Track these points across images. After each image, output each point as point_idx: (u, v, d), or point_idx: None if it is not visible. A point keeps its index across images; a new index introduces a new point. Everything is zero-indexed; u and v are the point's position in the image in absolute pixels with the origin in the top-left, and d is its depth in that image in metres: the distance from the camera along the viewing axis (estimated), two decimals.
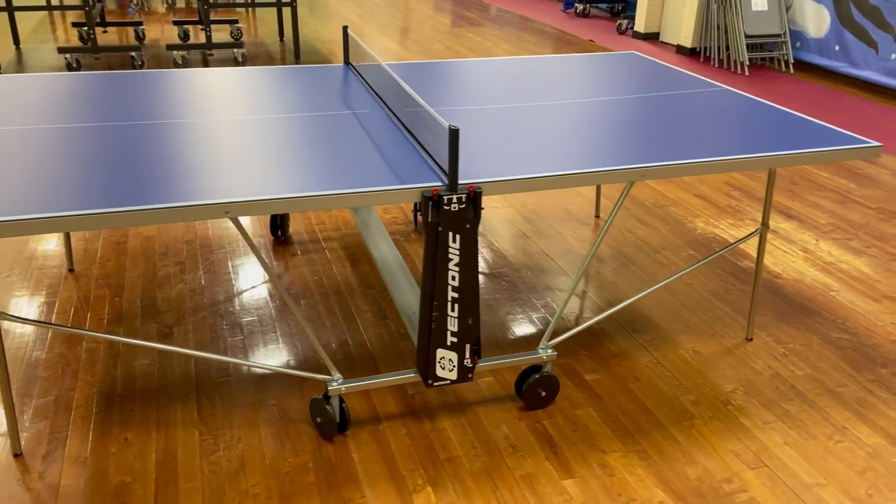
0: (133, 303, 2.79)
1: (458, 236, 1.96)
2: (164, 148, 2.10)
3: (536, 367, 2.29)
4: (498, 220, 3.55)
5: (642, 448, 2.15)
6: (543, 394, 2.29)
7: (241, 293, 2.87)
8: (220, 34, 7.48)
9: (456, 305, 2.04)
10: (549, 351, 2.27)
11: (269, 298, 2.83)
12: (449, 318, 2.05)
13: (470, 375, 2.15)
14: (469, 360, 2.13)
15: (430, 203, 1.91)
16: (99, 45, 5.84)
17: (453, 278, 2.01)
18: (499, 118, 2.44)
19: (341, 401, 2.13)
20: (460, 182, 1.94)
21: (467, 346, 2.11)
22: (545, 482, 2.02)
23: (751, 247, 3.35)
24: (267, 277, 2.98)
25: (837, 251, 3.35)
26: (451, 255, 1.98)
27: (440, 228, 1.94)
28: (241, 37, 7.25)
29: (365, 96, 2.63)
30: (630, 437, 2.19)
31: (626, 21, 7.99)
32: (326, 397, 2.10)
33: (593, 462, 2.09)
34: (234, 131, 2.24)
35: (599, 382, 2.43)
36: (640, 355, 2.57)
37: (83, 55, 6.37)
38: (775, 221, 3.62)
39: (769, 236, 3.46)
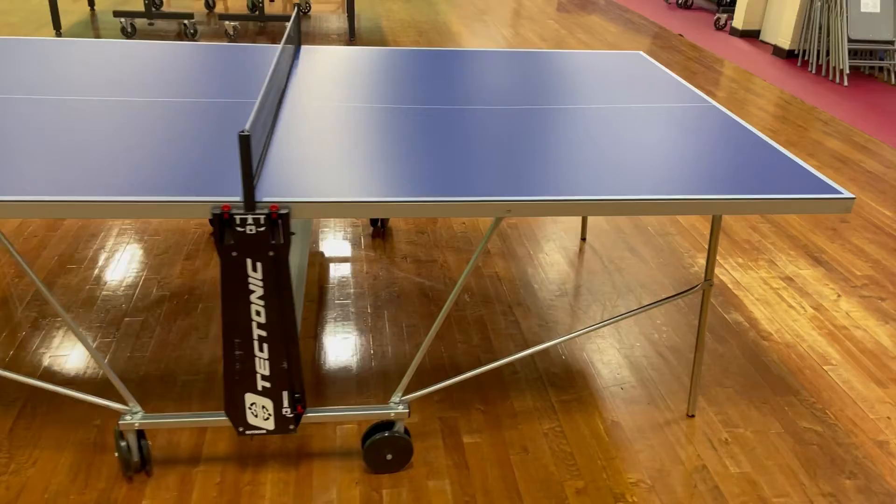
0: (28, 286, 2.63)
1: (258, 265, 1.62)
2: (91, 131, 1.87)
3: (389, 424, 1.92)
4: (462, 231, 3.16)
5: None
6: (389, 457, 1.92)
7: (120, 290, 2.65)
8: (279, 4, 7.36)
9: (265, 345, 1.71)
10: (400, 407, 1.90)
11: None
12: (257, 359, 1.73)
13: (292, 427, 1.82)
14: (289, 410, 1.80)
15: (220, 222, 1.58)
16: (154, 12, 5.81)
17: (258, 313, 1.68)
18: (420, 121, 2.06)
19: (141, 436, 1.86)
20: (271, 200, 1.60)
21: (284, 394, 1.78)
22: None
23: (748, 294, 2.80)
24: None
25: (859, 313, 2.73)
26: (251, 287, 1.64)
27: (234, 254, 1.61)
28: (308, 10, 7.09)
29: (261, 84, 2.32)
30: None
31: (725, 15, 7.22)
32: (120, 432, 1.83)
33: None
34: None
35: (476, 448, 2.03)
36: (543, 418, 2.14)
37: (138, 20, 6.39)
38: (799, 266, 3.02)
39: (778, 283, 2.88)
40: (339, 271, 2.83)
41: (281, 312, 1.68)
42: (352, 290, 2.71)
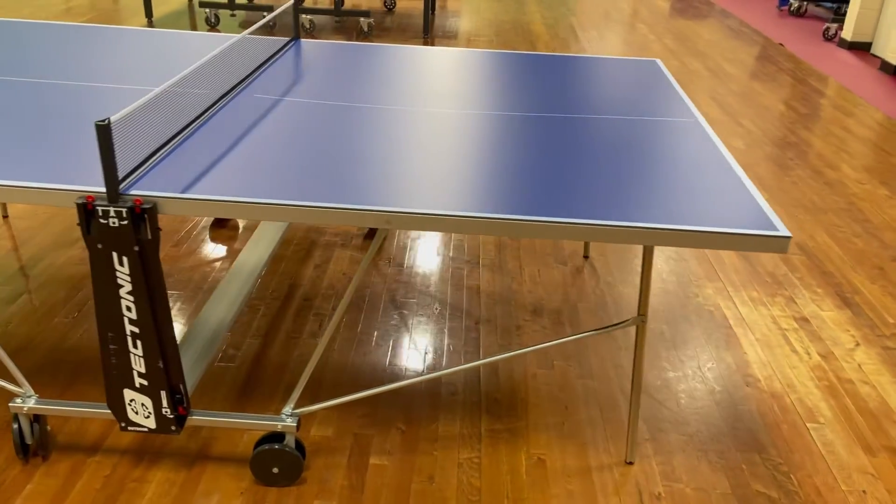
0: None
1: (125, 259, 1.58)
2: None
3: (280, 436, 1.84)
4: (461, 242, 3.02)
5: None
6: (276, 470, 1.83)
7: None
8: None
9: (138, 342, 1.67)
10: (288, 420, 1.81)
11: None
12: (132, 355, 1.68)
13: (174, 428, 1.77)
14: (169, 410, 1.75)
15: (85, 213, 1.55)
16: (235, 3, 5.98)
17: (128, 309, 1.63)
18: (346, 121, 1.97)
19: (37, 420, 1.86)
20: (138, 192, 1.55)
21: (162, 394, 1.73)
22: None
23: (749, 333, 2.51)
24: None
25: (874, 366, 2.39)
26: (119, 282, 1.60)
27: (100, 246, 1.57)
28: (393, 6, 7.10)
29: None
30: None
31: (835, 25, 6.64)
32: (15, 415, 1.84)
33: None
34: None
35: (380, 471, 1.91)
36: (464, 447, 1.99)
37: (221, 11, 6.59)
38: (822, 306, 2.68)
39: (789, 324, 2.57)
40: (318, 271, 2.77)
41: (152, 310, 1.63)
42: (322, 291, 2.64)
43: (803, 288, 2.82)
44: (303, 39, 2.83)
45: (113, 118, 1.50)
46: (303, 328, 2.45)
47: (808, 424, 2.14)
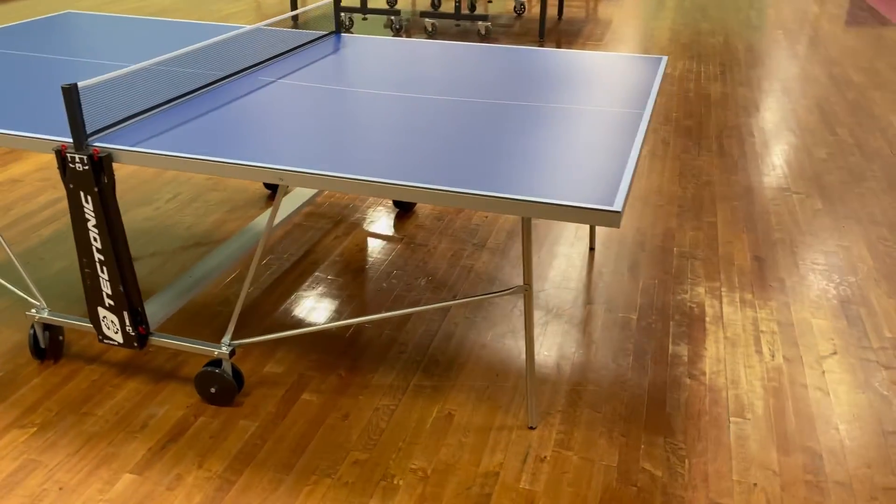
0: None
1: (89, 198, 1.97)
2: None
3: (219, 362, 2.16)
4: (477, 225, 3.20)
5: (232, 479, 1.91)
6: (213, 391, 2.15)
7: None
8: (503, 4, 7.63)
9: (104, 268, 2.06)
10: (224, 349, 2.12)
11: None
12: (101, 279, 2.08)
13: (136, 344, 2.15)
14: (132, 329, 2.13)
15: (61, 158, 1.95)
16: (367, 7, 6.49)
17: (95, 240, 2.02)
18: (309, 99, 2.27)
19: (47, 328, 2.31)
20: (100, 144, 1.93)
21: (125, 314, 2.11)
22: (100, 468, 1.95)
23: (720, 331, 2.49)
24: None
25: (838, 375, 2.30)
26: (87, 216, 2.00)
27: (71, 186, 1.97)
28: (523, 12, 7.31)
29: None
30: (244, 466, 1.96)
31: None
32: (31, 323, 2.31)
33: (173, 472, 1.94)
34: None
35: (305, 405, 2.17)
36: (387, 396, 2.21)
37: (355, 14, 7.12)
38: (818, 314, 2.59)
39: (768, 326, 2.51)
40: (337, 241, 3.09)
41: (112, 242, 2.02)
42: (331, 258, 2.95)
43: (808, 296, 2.72)
44: (344, 35, 3.16)
45: (80, 84, 1.90)
46: (298, 286, 2.77)
47: (731, 419, 2.13)
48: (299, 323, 2.56)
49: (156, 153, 1.89)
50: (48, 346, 2.34)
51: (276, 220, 2.84)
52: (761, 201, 3.46)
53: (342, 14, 6.49)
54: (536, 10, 7.66)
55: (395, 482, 1.92)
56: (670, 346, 2.44)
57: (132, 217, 3.30)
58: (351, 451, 2.01)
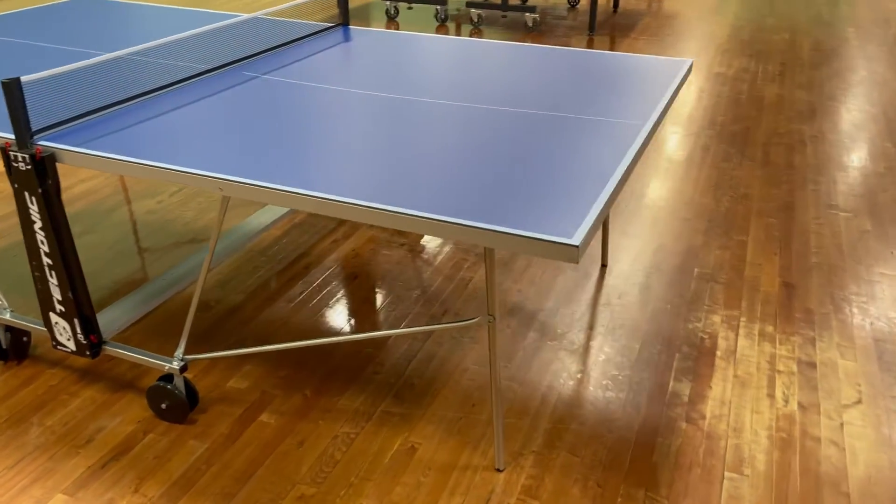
0: None
1: (34, 199, 1.86)
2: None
3: (171, 377, 2.03)
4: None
5: None
6: (164, 406, 2.02)
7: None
8: None
9: (53, 273, 1.95)
10: (175, 363, 1.99)
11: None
12: (51, 283, 1.97)
13: (88, 353, 2.04)
14: (83, 337, 2.02)
15: (5, 156, 1.84)
16: None
17: (42, 243, 1.91)
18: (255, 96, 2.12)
19: (8, 329, 2.23)
20: (45, 143, 1.82)
21: (75, 321, 2.00)
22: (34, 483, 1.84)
23: (731, 367, 2.23)
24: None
25: (859, 428, 2.02)
26: (33, 217, 1.89)
27: (16, 185, 1.86)
28: (577, 3, 7.01)
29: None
30: (182, 493, 1.82)
31: None
32: None
33: (106, 496, 1.81)
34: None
35: (262, 428, 2.02)
36: (350, 422, 2.04)
37: (400, 4, 6.93)
38: (847, 354, 2.30)
39: (787, 366, 2.24)
40: (334, 245, 2.94)
41: (59, 246, 1.90)
42: (323, 263, 2.80)
43: (838, 331, 2.44)
44: (353, 28, 2.99)
45: (24, 78, 1.78)
46: (283, 293, 2.63)
47: (727, 473, 1.89)
48: (274, 335, 2.41)
49: (98, 155, 1.77)
50: (10, 347, 2.26)
51: (259, 229, 2.70)
52: (802, 219, 3.16)
53: (387, 2, 6.33)
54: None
55: None
56: (671, 383, 2.21)
57: (135, 209, 3.22)
58: (298, 485, 1.86)
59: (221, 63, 2.42)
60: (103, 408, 2.10)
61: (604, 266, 2.82)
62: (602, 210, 1.53)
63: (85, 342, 2.03)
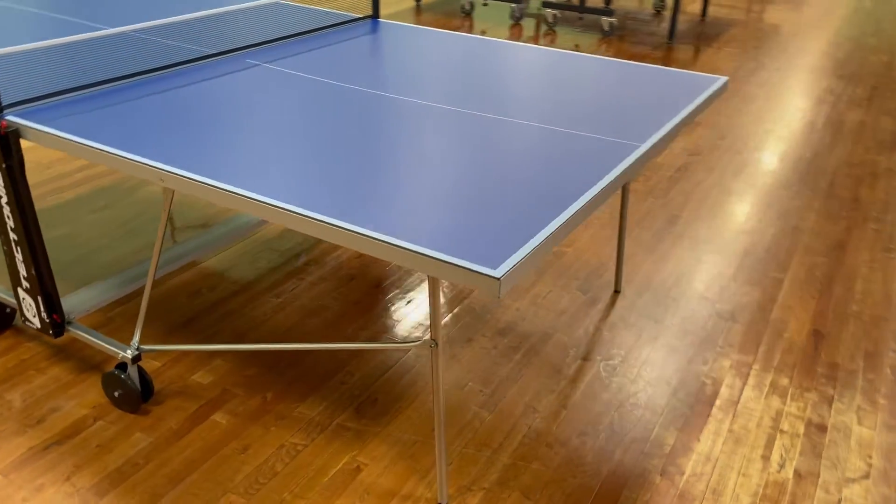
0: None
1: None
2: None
3: (125, 366, 1.98)
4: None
5: (91, 501, 1.72)
6: (116, 395, 1.98)
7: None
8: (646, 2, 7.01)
9: (19, 249, 1.93)
10: (129, 352, 1.94)
11: None
12: (17, 259, 1.96)
13: (51, 332, 2.02)
14: (46, 315, 2.00)
15: None
16: None
17: (8, 217, 1.90)
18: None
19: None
20: (12, 118, 1.79)
21: (39, 299, 1.98)
22: None
23: (727, 419, 2.01)
24: None
25: (864, 502, 1.78)
26: None
27: None
28: (662, 9, 6.69)
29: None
30: (113, 487, 1.77)
31: None
32: None
33: (38, 480, 1.78)
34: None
35: (212, 427, 1.95)
36: (303, 432, 1.94)
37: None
38: (866, 421, 2.04)
39: (793, 425, 2.00)
40: (334, 246, 2.85)
41: (24, 222, 1.88)
42: (322, 260, 2.72)
43: (863, 392, 2.17)
44: (382, 21, 2.89)
45: None
46: (275, 288, 2.56)
47: None
48: (251, 332, 2.34)
49: (59, 136, 1.73)
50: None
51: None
52: (852, 261, 2.86)
53: None
54: (688, 7, 7.00)
55: None
56: (656, 429, 2.01)
57: (151, 190, 3.23)
58: (229, 493, 1.78)
59: (226, 49, 2.37)
60: (64, 388, 2.08)
61: (616, 292, 2.62)
62: (543, 243, 1.37)
63: (48, 321, 2.01)
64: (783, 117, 4.30)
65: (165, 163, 1.61)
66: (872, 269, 2.82)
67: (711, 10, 6.91)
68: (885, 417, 2.09)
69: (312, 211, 1.43)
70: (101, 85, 2.03)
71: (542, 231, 1.39)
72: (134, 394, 1.97)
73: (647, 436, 1.99)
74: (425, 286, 2.61)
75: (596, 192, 1.54)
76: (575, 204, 1.49)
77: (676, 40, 5.79)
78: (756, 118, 4.29)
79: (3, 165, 1.82)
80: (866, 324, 2.49)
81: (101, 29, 2.53)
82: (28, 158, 3.44)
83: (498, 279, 1.24)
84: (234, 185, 1.53)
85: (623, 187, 2.47)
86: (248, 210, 1.50)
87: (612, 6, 6.80)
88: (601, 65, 2.36)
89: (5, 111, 1.83)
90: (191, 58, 2.26)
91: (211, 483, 1.80)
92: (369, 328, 2.38)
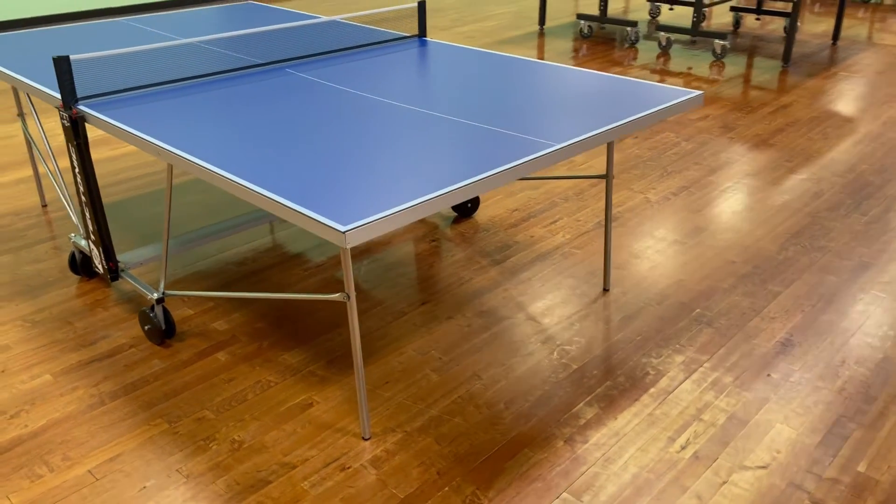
0: None
1: (72, 149, 2.41)
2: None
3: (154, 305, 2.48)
4: (492, 243, 3.10)
5: (105, 402, 2.23)
6: (146, 329, 2.48)
7: None
8: (773, 25, 6.81)
9: (87, 208, 2.50)
10: (155, 295, 2.44)
11: None
12: (86, 217, 2.53)
13: (109, 276, 2.57)
14: (105, 263, 2.55)
15: (60, 114, 2.42)
16: (606, 17, 6.34)
17: (80, 182, 2.47)
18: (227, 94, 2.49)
19: (80, 251, 2.85)
20: (82, 107, 2.36)
21: (100, 248, 2.54)
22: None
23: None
24: None
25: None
26: (74, 164, 2.44)
27: (64, 137, 2.43)
28: (739, 26, 6.51)
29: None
30: (124, 394, 2.27)
31: None
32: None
33: (75, 383, 2.31)
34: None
35: (211, 363, 2.41)
36: (269, 370, 2.35)
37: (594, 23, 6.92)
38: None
39: (713, 418, 2.10)
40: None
41: (88, 187, 2.45)
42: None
43: (804, 397, 2.21)
44: (430, 41, 3.27)
45: (73, 57, 2.34)
46: (304, 262, 3.00)
47: (564, 495, 1.89)
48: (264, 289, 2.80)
49: (113, 124, 2.27)
50: (81, 266, 2.90)
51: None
52: (866, 284, 2.82)
53: (581, 21, 6.45)
54: (814, 28, 6.77)
55: (210, 445, 2.09)
56: (580, 405, 2.21)
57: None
58: (204, 409, 2.22)
59: (278, 59, 2.86)
60: (117, 323, 2.64)
61: (605, 290, 2.80)
62: (406, 211, 1.68)
63: (107, 267, 2.58)
64: (868, 142, 4.16)
65: (170, 144, 2.09)
66: (882, 297, 2.77)
67: (850, 32, 6.62)
68: (814, 423, 2.14)
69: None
70: (159, 86, 2.57)
71: (400, 206, 1.70)
72: (158, 329, 2.48)
73: (568, 409, 2.20)
74: (429, 262, 2.93)
75: (477, 178, 1.82)
76: (440, 192, 1.78)
77: (793, 64, 5.67)
78: (837, 143, 4.19)
79: (75, 143, 2.40)
80: (842, 339, 2.50)
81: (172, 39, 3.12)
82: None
83: (343, 233, 1.58)
84: (235, 175, 1.97)
85: (607, 185, 2.66)
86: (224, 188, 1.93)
87: (742, 28, 6.73)
88: (595, 77, 2.59)
89: (79, 102, 2.42)
90: (235, 67, 2.77)
91: (194, 400, 2.26)
92: (372, 293, 2.75)
